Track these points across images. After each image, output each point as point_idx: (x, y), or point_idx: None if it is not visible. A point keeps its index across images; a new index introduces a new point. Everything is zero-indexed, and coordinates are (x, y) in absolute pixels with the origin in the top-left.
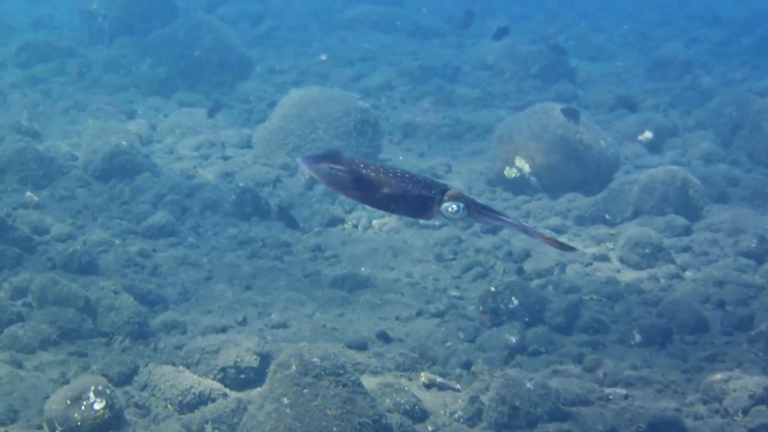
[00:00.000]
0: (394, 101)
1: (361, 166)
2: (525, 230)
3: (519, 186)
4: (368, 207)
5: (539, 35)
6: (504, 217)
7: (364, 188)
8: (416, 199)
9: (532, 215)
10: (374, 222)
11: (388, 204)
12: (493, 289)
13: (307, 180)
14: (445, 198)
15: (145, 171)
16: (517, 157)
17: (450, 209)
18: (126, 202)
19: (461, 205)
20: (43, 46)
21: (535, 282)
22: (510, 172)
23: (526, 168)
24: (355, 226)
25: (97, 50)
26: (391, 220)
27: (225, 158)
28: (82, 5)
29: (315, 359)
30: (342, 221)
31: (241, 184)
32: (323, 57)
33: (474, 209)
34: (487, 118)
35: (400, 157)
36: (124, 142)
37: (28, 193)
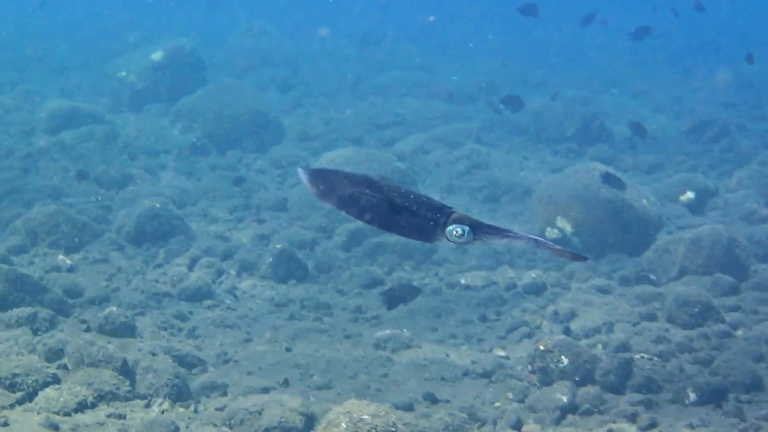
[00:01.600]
0: (429, 165)
1: (364, 183)
2: (535, 242)
3: (560, 246)
4: (407, 268)
5: (572, 100)
6: (511, 234)
7: (365, 207)
8: (421, 222)
9: (575, 276)
10: (414, 283)
11: (390, 225)
12: (542, 347)
13: (344, 242)
14: (450, 221)
15: (179, 234)
16: (559, 217)
17: (455, 233)
18: (161, 264)
19: (466, 228)
20: (72, 113)
21: (583, 341)
22: (551, 233)
23: (568, 228)
24: None
25: (126, 117)
26: (432, 281)
27: (260, 221)
28: (110, 73)
29: (365, 416)
30: (382, 282)
31: (278, 246)
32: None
33: (480, 231)
34: (525, 180)
35: None
36: (158, 205)
37: (61, 257)
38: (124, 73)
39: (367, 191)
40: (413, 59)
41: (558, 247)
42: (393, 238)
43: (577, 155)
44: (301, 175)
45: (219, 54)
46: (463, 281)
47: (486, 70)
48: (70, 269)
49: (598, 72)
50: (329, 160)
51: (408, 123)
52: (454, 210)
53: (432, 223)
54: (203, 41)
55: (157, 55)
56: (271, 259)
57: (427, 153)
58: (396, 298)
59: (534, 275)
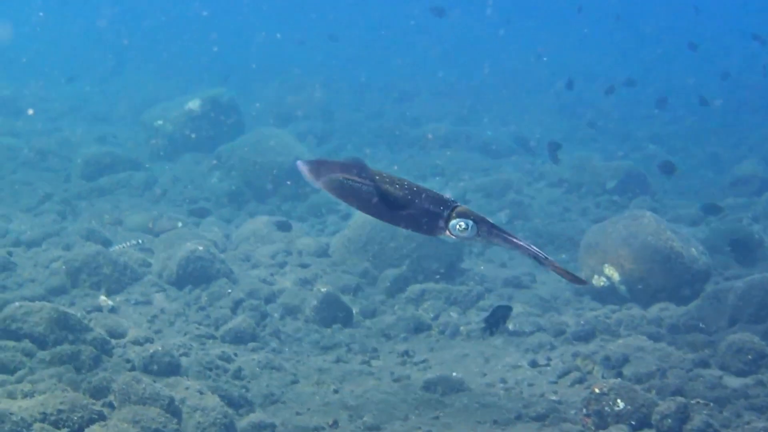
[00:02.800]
0: None
1: (369, 175)
2: (535, 256)
3: (607, 295)
4: (453, 313)
5: (611, 154)
6: (514, 240)
7: (368, 198)
8: (424, 215)
9: (624, 323)
10: (462, 328)
11: (393, 217)
12: (597, 390)
13: (388, 288)
14: (454, 215)
15: (221, 277)
16: (606, 265)
17: (458, 226)
18: (203, 307)
19: (470, 222)
20: (110, 159)
21: (637, 387)
22: (598, 281)
23: (615, 276)
24: (442, 332)
25: (163, 165)
26: (479, 327)
27: (303, 266)
28: (147, 122)
29: None
30: (429, 327)
31: (322, 290)
32: None
33: (484, 228)
34: (568, 230)
35: (482, 267)
36: (200, 248)
37: (102, 297)
38: (160, 122)
39: (370, 182)
40: (449, 113)
41: (557, 264)
42: (438, 286)
43: (620, 207)
44: (302, 168)
45: (256, 103)
46: (510, 327)
47: (523, 123)
48: (112, 310)
49: (636, 130)
50: None
51: (447, 174)
52: (459, 204)
53: (435, 215)
54: (241, 90)
55: (194, 104)
56: (315, 303)
57: (467, 203)
58: (498, 320)
59: (583, 322)
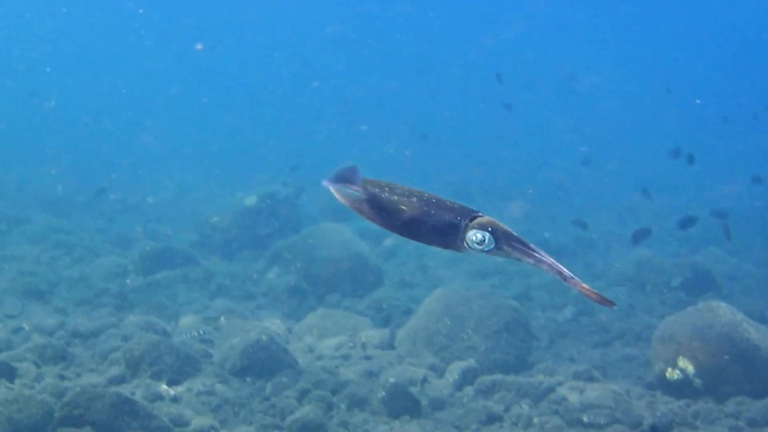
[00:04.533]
0: (535, 310)
1: (385, 188)
2: (560, 273)
3: (681, 388)
4: (525, 405)
5: (674, 252)
6: (537, 254)
7: (384, 211)
8: (440, 226)
9: (701, 416)
10: (535, 420)
11: (410, 230)
12: None
13: (456, 380)
14: (471, 225)
15: (285, 367)
16: (680, 358)
17: (474, 238)
18: (268, 397)
19: (487, 234)
20: (165, 255)
21: None
22: (672, 374)
23: (690, 369)
24: (515, 424)
25: (220, 261)
26: (552, 419)
27: (367, 358)
28: (202, 219)
29: None
30: (500, 419)
31: (390, 380)
32: None
33: (503, 240)
34: (635, 325)
35: (550, 361)
36: (264, 337)
37: (164, 386)
38: (216, 219)
39: (385, 195)
40: (507, 214)
41: (583, 284)
42: (508, 378)
43: (687, 305)
44: (327, 185)
45: (312, 199)
46: (585, 419)
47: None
48: (174, 399)
49: (702, 231)
50: (440, 298)
51: (508, 273)
52: (480, 213)
53: (455, 227)
54: (296, 187)
55: (250, 200)
56: (383, 394)
57: (531, 300)
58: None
59: (659, 414)
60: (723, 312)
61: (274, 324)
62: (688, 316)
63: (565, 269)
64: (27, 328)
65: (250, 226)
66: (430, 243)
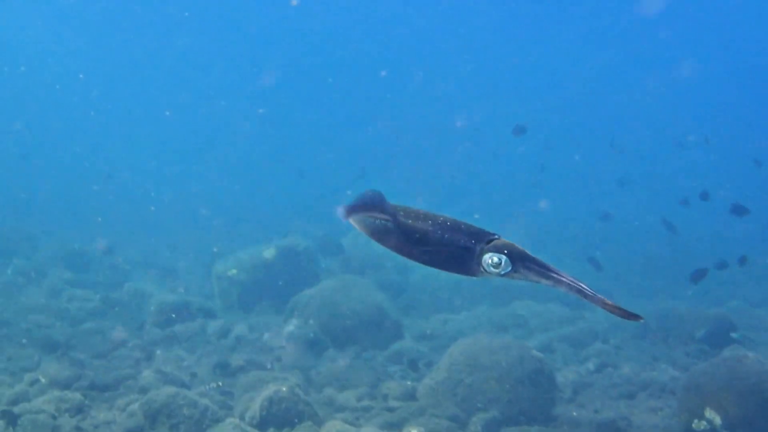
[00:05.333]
0: (557, 362)
1: (400, 212)
2: (580, 291)
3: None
4: None
5: (696, 303)
6: (556, 275)
7: (398, 237)
8: (455, 250)
9: None
10: None
11: (425, 256)
12: None
13: (479, 431)
14: (487, 248)
15: (306, 419)
16: (707, 409)
17: (490, 261)
18: None
19: (503, 257)
20: (182, 308)
21: None
22: (699, 425)
23: (717, 420)
24: None
25: (238, 313)
26: None
27: (389, 409)
28: (220, 272)
29: None
30: None
31: (413, 431)
32: None
33: (520, 262)
34: (659, 378)
35: (574, 413)
36: (284, 389)
37: None
38: (234, 271)
39: (398, 220)
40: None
41: (608, 301)
42: (532, 429)
43: (711, 356)
44: (340, 213)
45: (333, 252)
46: None
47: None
48: None
49: (722, 285)
50: (463, 349)
51: (529, 325)
52: (496, 236)
53: (470, 251)
54: (315, 239)
55: (269, 253)
56: None
57: (553, 352)
58: None
59: None
60: (751, 362)
61: (293, 376)
62: (715, 367)
63: (586, 287)
64: (43, 380)
65: (269, 279)
66: (446, 269)
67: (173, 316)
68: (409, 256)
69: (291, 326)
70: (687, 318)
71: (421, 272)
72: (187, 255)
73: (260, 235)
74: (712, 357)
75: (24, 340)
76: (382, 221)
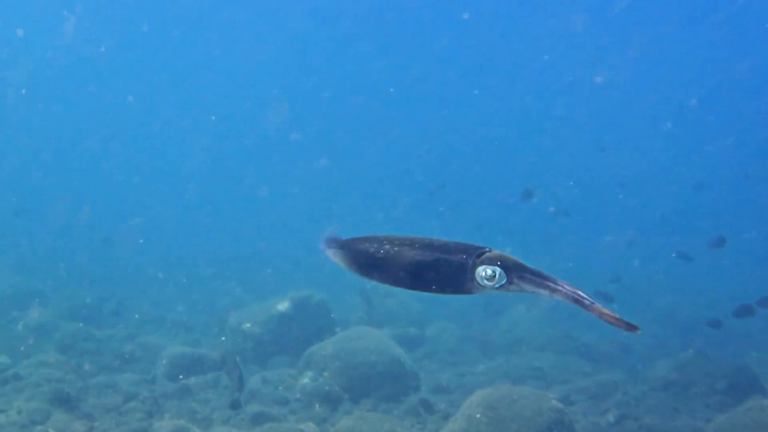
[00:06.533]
0: (576, 415)
1: (383, 242)
2: (578, 301)
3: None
4: None
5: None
6: (552, 284)
7: (384, 266)
8: (447, 270)
9: None
10: None
11: (417, 280)
12: None
13: None
14: (480, 261)
15: None
16: None
17: (484, 274)
18: None
19: (497, 269)
20: (196, 360)
21: None
22: None
23: None
24: None
25: (251, 367)
26: None
27: None
28: (233, 325)
29: None
30: None
31: None
32: None
33: (514, 273)
34: (683, 428)
35: None
36: None
37: None
38: (248, 325)
39: (385, 247)
40: (541, 319)
41: (606, 310)
42: None
43: (732, 408)
44: (323, 248)
45: (346, 303)
46: None
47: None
48: None
49: (741, 336)
50: (482, 400)
51: (547, 378)
52: (487, 249)
53: (462, 267)
54: (330, 291)
55: (283, 306)
56: None
57: (573, 404)
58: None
59: None
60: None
61: (308, 428)
62: (739, 416)
63: (583, 295)
64: None
65: (283, 332)
66: (440, 291)
67: (186, 369)
68: (399, 282)
69: (306, 378)
70: (707, 369)
71: (438, 325)
72: (200, 308)
73: (274, 287)
74: (733, 408)
75: (34, 394)
76: (366, 252)
